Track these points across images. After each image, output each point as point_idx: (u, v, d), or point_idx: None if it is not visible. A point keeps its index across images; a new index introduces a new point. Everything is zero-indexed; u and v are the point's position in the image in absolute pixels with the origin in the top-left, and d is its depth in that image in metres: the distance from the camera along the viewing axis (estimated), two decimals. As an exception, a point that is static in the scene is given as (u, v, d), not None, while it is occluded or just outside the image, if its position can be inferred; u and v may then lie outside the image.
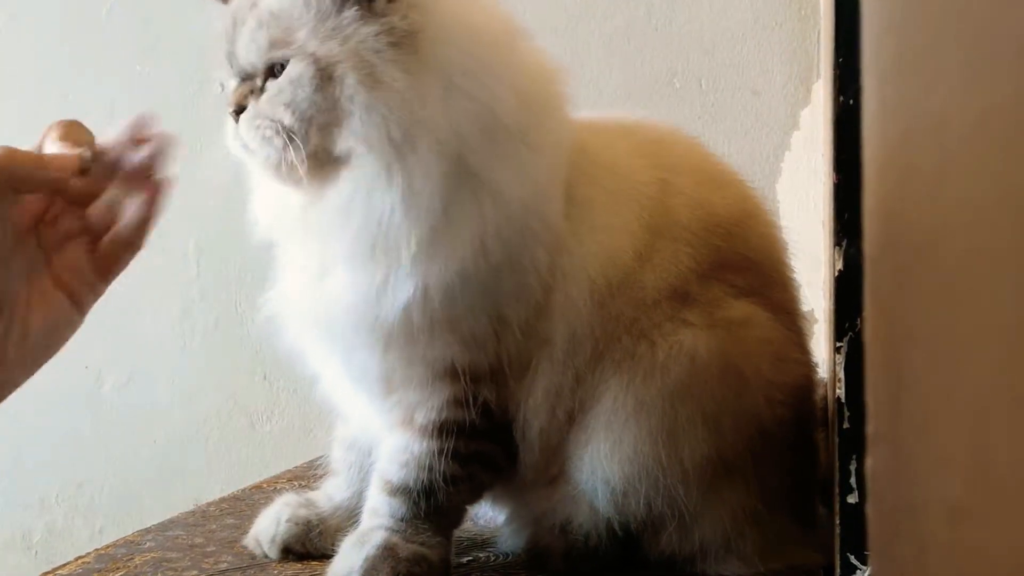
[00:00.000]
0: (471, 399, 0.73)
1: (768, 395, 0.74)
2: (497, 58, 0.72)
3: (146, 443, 1.76)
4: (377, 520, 0.75)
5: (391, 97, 0.68)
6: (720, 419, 0.72)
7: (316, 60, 0.69)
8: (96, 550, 0.85)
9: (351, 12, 0.69)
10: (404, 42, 0.69)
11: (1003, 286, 0.20)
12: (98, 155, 0.65)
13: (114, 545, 0.87)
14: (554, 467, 0.76)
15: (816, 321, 1.49)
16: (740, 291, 0.76)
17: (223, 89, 0.76)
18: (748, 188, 0.84)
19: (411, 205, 0.69)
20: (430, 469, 0.73)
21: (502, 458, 0.76)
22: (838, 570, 0.61)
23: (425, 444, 0.74)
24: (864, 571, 0.59)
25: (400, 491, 0.74)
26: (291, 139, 0.69)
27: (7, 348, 0.60)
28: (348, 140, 0.69)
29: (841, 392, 0.61)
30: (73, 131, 0.66)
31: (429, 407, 0.74)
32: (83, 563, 0.82)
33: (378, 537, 0.73)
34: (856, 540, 0.59)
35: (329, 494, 0.84)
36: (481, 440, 0.74)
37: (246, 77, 0.72)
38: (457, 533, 0.79)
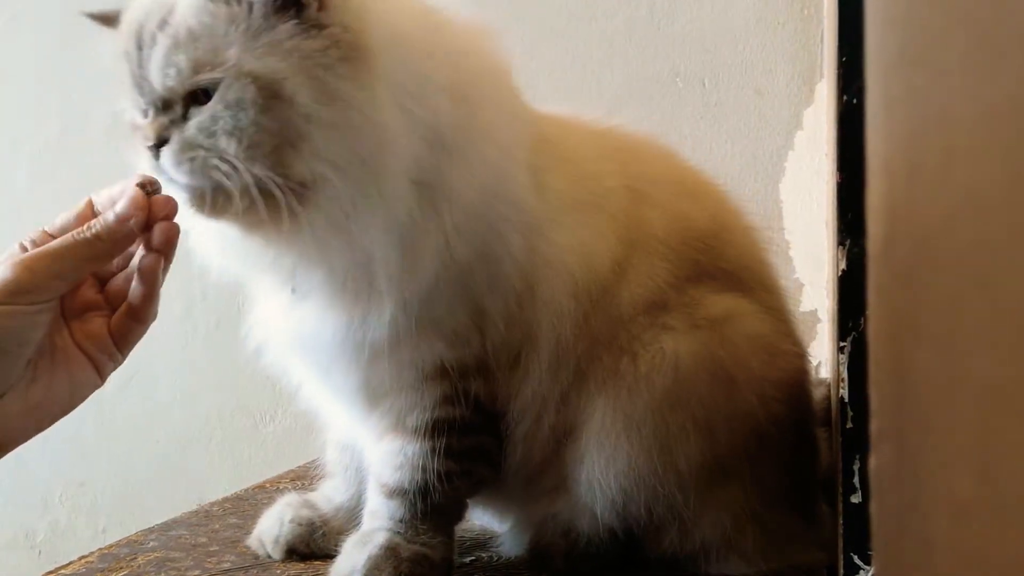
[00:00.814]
0: (461, 395, 0.73)
1: (760, 392, 0.73)
2: (431, 66, 0.68)
3: (149, 443, 1.76)
4: (378, 522, 0.75)
5: (351, 113, 0.63)
6: (712, 423, 0.71)
7: (256, 78, 0.62)
8: (99, 550, 0.85)
9: (287, 25, 0.63)
10: (353, 56, 0.64)
11: (1009, 280, 0.20)
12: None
13: (117, 545, 0.87)
14: (550, 479, 0.75)
15: (820, 321, 1.49)
16: (719, 289, 0.75)
17: (122, 120, 0.70)
18: (725, 197, 0.83)
19: (392, 230, 0.66)
20: (424, 469, 0.73)
21: (496, 451, 0.75)
22: (841, 570, 0.61)
23: (418, 445, 0.73)
24: (867, 571, 0.59)
25: (397, 493, 0.74)
26: (234, 168, 0.62)
27: (30, 394, 0.64)
28: (310, 163, 0.63)
29: (844, 392, 0.61)
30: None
31: (420, 409, 0.73)
32: (86, 563, 0.82)
33: (381, 537, 0.73)
34: (859, 540, 0.59)
35: (328, 496, 0.83)
36: (474, 435, 0.74)
37: (163, 106, 0.65)
38: (460, 533, 0.79)
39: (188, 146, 0.64)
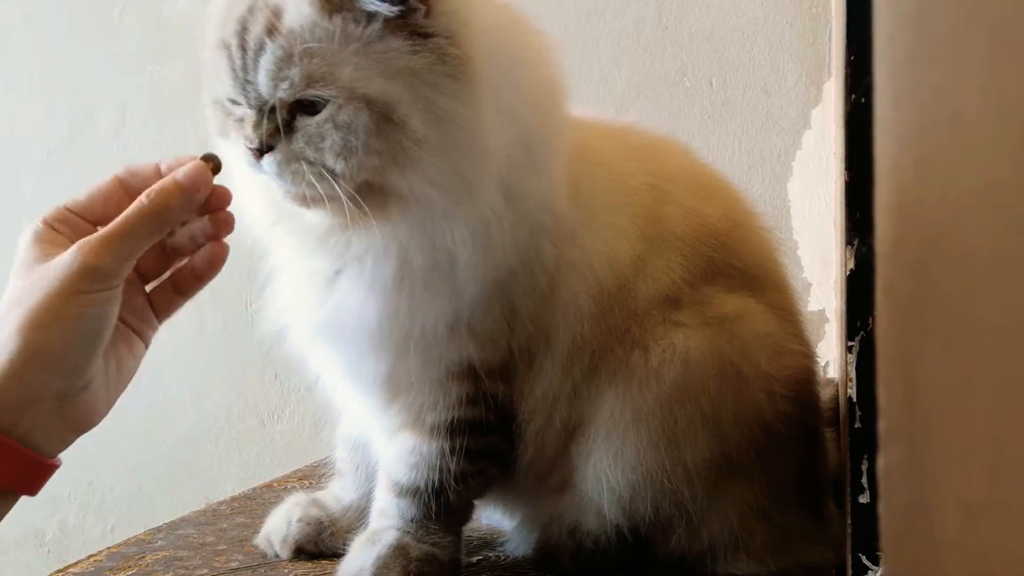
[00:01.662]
0: (483, 396, 0.73)
1: (768, 390, 0.73)
2: (524, 74, 0.70)
3: (157, 442, 1.77)
4: (387, 521, 0.75)
5: (460, 136, 0.64)
6: (720, 419, 0.71)
7: (369, 102, 0.62)
8: (108, 548, 0.85)
9: (397, 41, 0.63)
10: (458, 73, 0.64)
11: (1019, 279, 0.20)
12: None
13: (125, 544, 0.87)
14: (557, 477, 0.75)
15: (828, 321, 1.49)
16: (730, 289, 0.76)
17: (223, 110, 0.68)
18: (739, 195, 0.83)
19: (477, 231, 0.67)
20: (440, 469, 0.73)
21: (508, 451, 0.75)
22: (850, 570, 0.61)
23: (436, 444, 0.73)
24: (876, 571, 0.59)
25: (410, 492, 0.74)
26: (337, 182, 0.63)
27: (108, 373, 0.66)
28: (411, 180, 0.64)
29: (853, 391, 0.60)
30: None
31: (441, 407, 0.73)
32: (95, 561, 0.82)
33: (390, 537, 0.73)
34: (868, 540, 0.59)
35: (337, 496, 0.83)
36: (490, 435, 0.74)
37: (268, 110, 0.64)
38: (467, 533, 0.79)
39: (294, 158, 0.64)
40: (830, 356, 1.41)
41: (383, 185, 0.65)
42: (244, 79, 0.64)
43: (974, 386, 0.25)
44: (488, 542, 0.84)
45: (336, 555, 0.78)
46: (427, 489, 0.73)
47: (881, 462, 0.44)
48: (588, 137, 0.77)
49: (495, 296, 0.71)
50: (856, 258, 0.60)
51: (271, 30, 0.63)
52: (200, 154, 0.67)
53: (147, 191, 0.64)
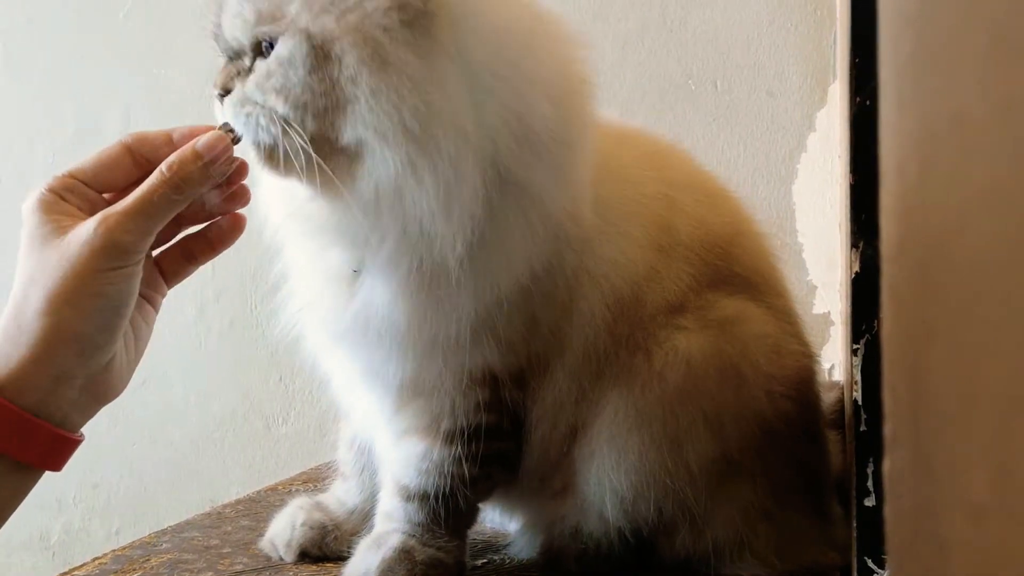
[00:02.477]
0: (499, 403, 0.72)
1: (768, 389, 0.73)
2: (529, 60, 0.66)
3: (162, 445, 1.77)
4: (392, 524, 0.75)
5: (401, 81, 0.60)
6: (722, 419, 0.71)
7: (310, 36, 0.60)
8: (112, 551, 0.85)
9: None
10: (418, 22, 0.61)
11: (1026, 282, 0.20)
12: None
13: (130, 546, 0.87)
14: (559, 480, 0.75)
15: (833, 323, 1.49)
16: (731, 293, 0.76)
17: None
18: (739, 203, 0.83)
19: (451, 209, 0.63)
20: (452, 475, 0.73)
21: (516, 456, 0.75)
22: (855, 573, 0.61)
23: (449, 450, 0.73)
24: (882, 574, 0.59)
25: (417, 497, 0.74)
26: (287, 127, 0.61)
27: (127, 345, 0.66)
28: (356, 128, 0.61)
29: (858, 394, 0.60)
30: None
31: (460, 413, 0.72)
32: (100, 564, 0.82)
33: (395, 540, 0.73)
34: (873, 543, 0.59)
35: (341, 499, 0.83)
36: (503, 441, 0.74)
37: (233, 56, 0.65)
38: (472, 536, 0.79)
39: (245, 100, 0.63)
40: (835, 359, 1.41)
41: (336, 140, 0.62)
42: (216, 24, 0.65)
43: (980, 388, 0.25)
44: (492, 545, 0.84)
45: (340, 558, 0.77)
46: (436, 494, 0.73)
47: (887, 465, 0.44)
48: (604, 141, 0.75)
49: (517, 302, 0.70)
50: (861, 261, 0.60)
51: None
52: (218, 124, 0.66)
53: (166, 162, 0.63)
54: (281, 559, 0.81)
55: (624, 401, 0.72)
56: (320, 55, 0.61)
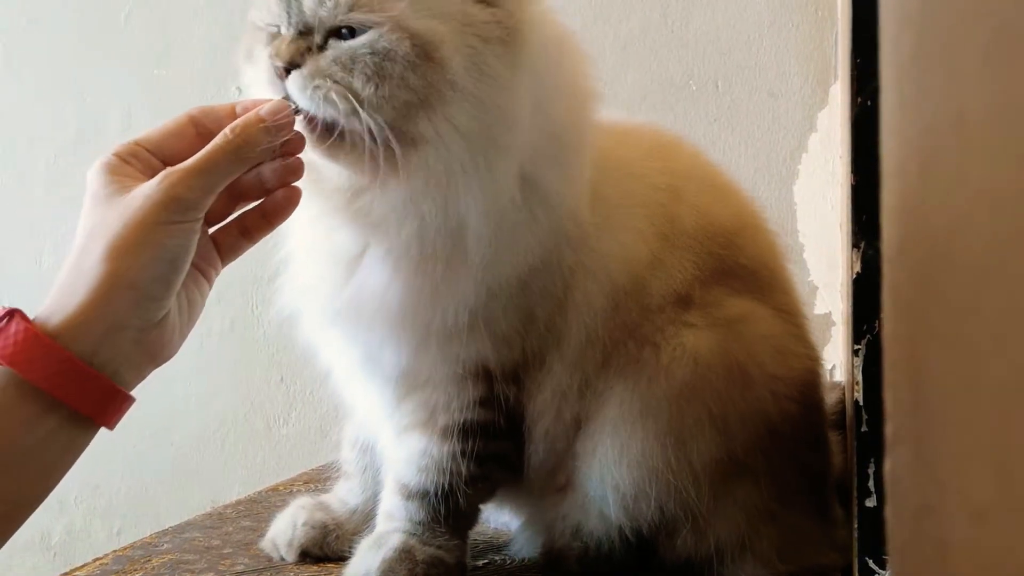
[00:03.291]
0: (496, 398, 0.73)
1: (773, 390, 0.73)
2: (566, 78, 0.72)
3: (163, 445, 1.77)
4: (393, 523, 0.75)
5: (496, 93, 0.65)
6: (727, 417, 0.71)
7: (413, 35, 0.62)
8: (114, 551, 0.85)
9: None
10: (509, 39, 0.65)
11: (1027, 281, 0.20)
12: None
13: (131, 547, 0.87)
14: (562, 476, 0.75)
15: (834, 324, 1.49)
16: (738, 291, 0.76)
17: (257, 34, 0.68)
18: (746, 197, 0.83)
19: (491, 206, 0.67)
20: (451, 473, 0.73)
21: (516, 456, 0.75)
22: (856, 574, 0.61)
23: (446, 447, 0.73)
24: (883, 575, 0.59)
25: (418, 495, 0.74)
26: (361, 109, 0.62)
27: (181, 306, 0.67)
28: (438, 124, 0.64)
29: (859, 395, 0.60)
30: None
31: (454, 408, 0.73)
32: (101, 564, 0.82)
33: (395, 539, 0.73)
34: (874, 543, 0.59)
35: (343, 498, 0.83)
36: (500, 440, 0.74)
37: (303, 30, 0.64)
38: (473, 536, 0.79)
39: (320, 74, 0.63)
40: (837, 359, 1.41)
41: (407, 130, 0.64)
42: (286, 6, 0.65)
43: (981, 389, 0.25)
44: (494, 545, 0.84)
45: (342, 558, 0.77)
46: (436, 493, 0.73)
47: (888, 465, 0.44)
48: (610, 140, 0.77)
49: (514, 296, 0.71)
50: (862, 261, 0.60)
51: None
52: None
53: (231, 125, 0.64)
54: (282, 559, 0.81)
55: (630, 394, 0.72)
56: (422, 54, 0.63)
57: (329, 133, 0.65)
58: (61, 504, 1.80)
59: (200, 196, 0.63)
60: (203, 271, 0.69)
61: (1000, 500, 0.23)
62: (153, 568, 0.80)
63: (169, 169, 0.63)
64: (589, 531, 0.75)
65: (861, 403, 0.60)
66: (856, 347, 0.61)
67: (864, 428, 0.60)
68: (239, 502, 1.01)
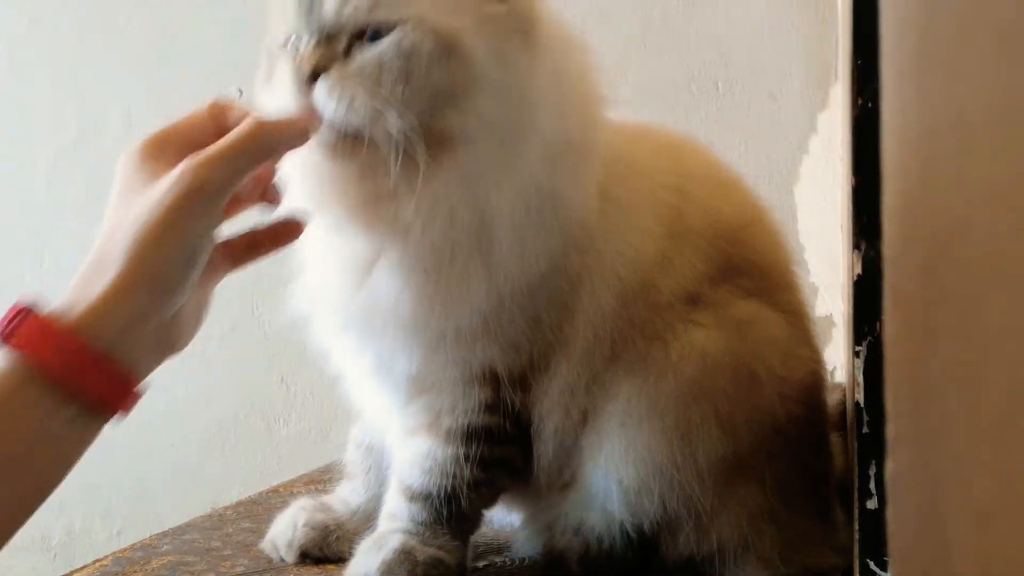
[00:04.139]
0: (502, 403, 0.73)
1: (780, 391, 0.74)
2: (572, 76, 0.72)
3: (163, 446, 1.77)
4: (395, 524, 0.75)
5: (519, 82, 0.65)
6: (734, 417, 0.72)
7: (436, 31, 0.62)
8: (113, 553, 0.85)
9: None
10: (526, 31, 0.66)
11: (1029, 283, 0.20)
12: None
13: (131, 548, 0.87)
14: (567, 472, 0.75)
15: (835, 325, 1.48)
16: (746, 292, 0.76)
17: (269, 45, 0.68)
18: (754, 195, 0.84)
19: (516, 204, 0.67)
20: (454, 476, 0.73)
21: (521, 462, 0.75)
22: (857, 575, 0.61)
23: (450, 450, 0.73)
24: (884, 577, 0.59)
25: (421, 497, 0.74)
26: (386, 112, 0.62)
27: (196, 294, 0.67)
28: (466, 119, 0.64)
29: (860, 396, 0.60)
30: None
31: (458, 412, 0.73)
32: (100, 566, 0.82)
33: (395, 540, 0.73)
34: (876, 545, 0.59)
35: (345, 498, 0.83)
36: (506, 445, 0.74)
37: (325, 37, 0.63)
38: (474, 537, 0.79)
39: (348, 80, 0.63)
40: (837, 361, 1.41)
41: (435, 128, 0.64)
42: (309, 5, 0.64)
43: (983, 390, 0.25)
44: (494, 547, 0.84)
45: (342, 559, 0.77)
46: (439, 495, 0.73)
47: (889, 467, 0.44)
48: (617, 140, 0.77)
49: (523, 302, 0.71)
50: (863, 262, 0.60)
51: None
52: None
53: (257, 115, 0.64)
54: (282, 560, 0.81)
55: (638, 390, 0.72)
56: (446, 49, 0.63)
57: (355, 141, 0.64)
58: (61, 505, 1.80)
59: (224, 183, 0.62)
60: (214, 261, 0.68)
61: (1003, 502, 0.23)
62: (153, 569, 0.80)
63: (192, 156, 0.62)
64: (591, 527, 0.75)
65: (862, 404, 0.60)
66: (857, 348, 0.61)
67: (865, 429, 0.60)
68: (239, 503, 1.01)
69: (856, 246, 0.60)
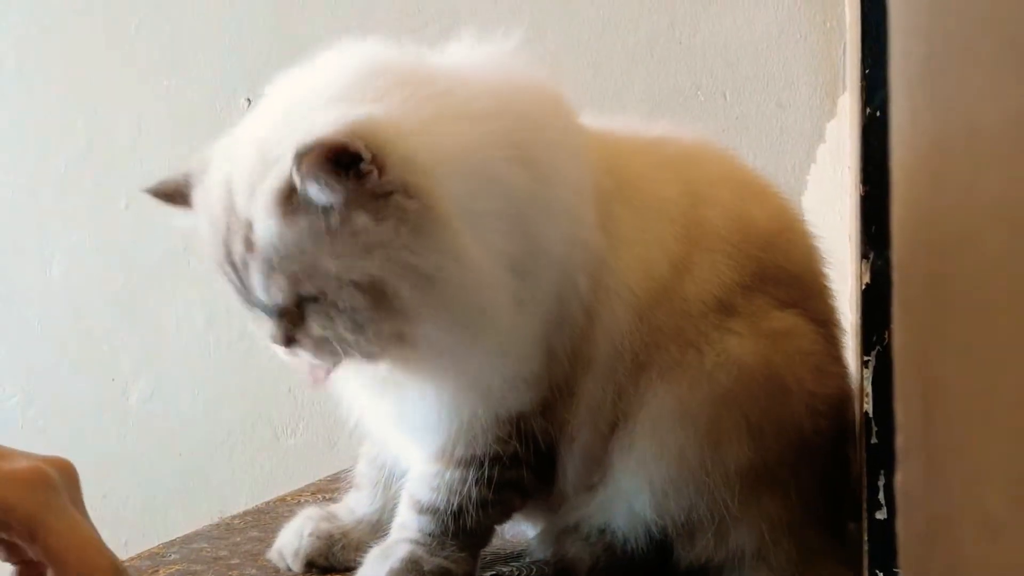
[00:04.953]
0: (521, 432, 0.73)
1: (810, 405, 0.74)
2: (491, 159, 0.68)
3: (171, 455, 1.77)
4: (404, 534, 0.75)
5: (451, 289, 0.65)
6: (764, 427, 0.72)
7: (358, 285, 0.64)
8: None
9: (363, 217, 0.63)
10: (424, 225, 0.64)
11: (1041, 293, 0.20)
12: None
13: (139, 557, 0.87)
14: (596, 474, 0.75)
15: (843, 334, 1.48)
16: (783, 302, 0.76)
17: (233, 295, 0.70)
18: (785, 200, 0.84)
19: (508, 345, 0.69)
20: (461, 494, 0.74)
21: (533, 483, 0.76)
22: (867, 587, 0.60)
23: (459, 473, 0.74)
24: (894, 589, 0.58)
25: (429, 511, 0.75)
26: (364, 347, 0.67)
27: None
28: (425, 331, 0.67)
29: (869, 407, 0.60)
30: None
31: (476, 444, 0.74)
32: (107, 574, 0.82)
33: (403, 550, 0.73)
34: (885, 557, 0.58)
35: (351, 507, 0.84)
36: (518, 468, 0.75)
37: (278, 313, 0.67)
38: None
39: (319, 341, 0.67)
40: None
41: (401, 339, 0.67)
42: (246, 294, 0.67)
43: (994, 400, 0.25)
44: (502, 557, 0.84)
45: (348, 569, 0.77)
46: (446, 510, 0.74)
47: (899, 478, 0.43)
48: (620, 153, 0.77)
49: (532, 346, 0.71)
50: (872, 272, 0.59)
51: (249, 246, 0.65)
52: None
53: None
54: (289, 569, 0.81)
55: (673, 396, 0.72)
56: (376, 294, 0.64)
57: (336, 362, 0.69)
58: (69, 514, 1.80)
59: None
60: None
61: (1014, 514, 0.22)
62: (160, 578, 0.80)
63: None
64: (617, 528, 0.75)
65: (871, 415, 0.59)
66: (866, 358, 0.61)
67: (874, 440, 0.59)
68: (247, 512, 1.01)
69: (865, 255, 0.60)
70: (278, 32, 1.68)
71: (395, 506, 0.79)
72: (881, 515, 0.59)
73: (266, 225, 0.64)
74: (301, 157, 0.61)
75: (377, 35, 0.73)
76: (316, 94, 0.67)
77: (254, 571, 0.82)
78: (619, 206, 0.74)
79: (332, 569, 0.80)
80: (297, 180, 0.62)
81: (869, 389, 0.60)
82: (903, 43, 0.39)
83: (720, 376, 0.72)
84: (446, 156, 0.66)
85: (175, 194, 0.71)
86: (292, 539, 0.82)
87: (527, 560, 0.81)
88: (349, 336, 0.66)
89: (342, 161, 0.62)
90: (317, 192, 0.62)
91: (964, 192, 0.28)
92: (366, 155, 0.62)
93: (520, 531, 0.86)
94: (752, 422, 0.72)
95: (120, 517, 1.80)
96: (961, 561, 0.28)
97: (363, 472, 0.84)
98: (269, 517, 0.98)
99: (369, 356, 0.68)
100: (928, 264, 0.36)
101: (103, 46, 1.79)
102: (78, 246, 1.75)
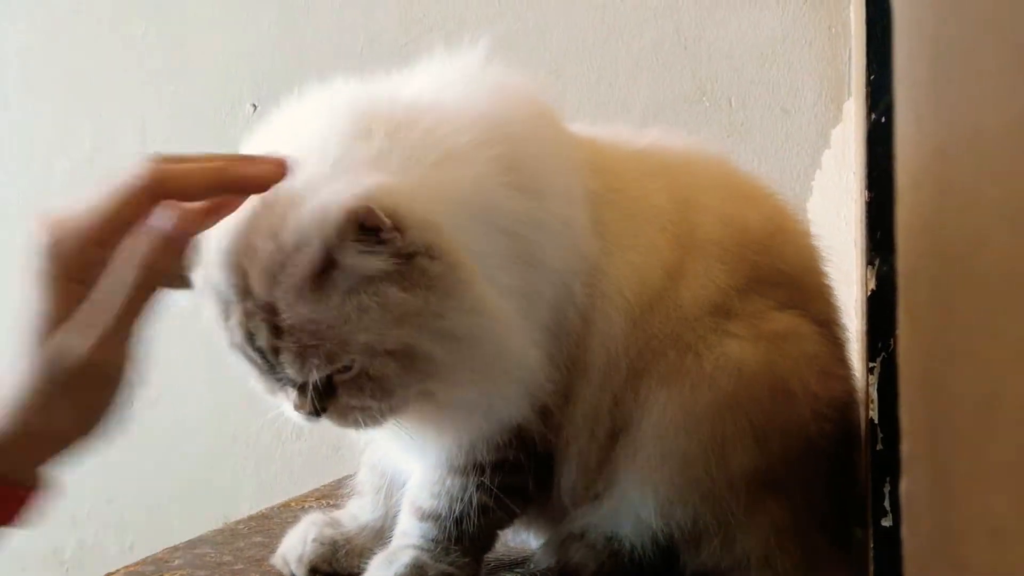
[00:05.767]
0: (516, 440, 0.73)
1: (815, 409, 0.73)
2: (489, 194, 0.67)
3: (175, 460, 1.77)
4: (407, 540, 0.75)
5: (481, 345, 0.66)
6: (768, 431, 0.72)
7: (391, 353, 0.64)
8: (125, 567, 0.85)
9: (391, 288, 0.62)
10: (449, 287, 0.63)
11: (1047, 299, 0.20)
12: None
13: (143, 562, 0.87)
14: (600, 484, 0.75)
15: (848, 341, 1.47)
16: (782, 304, 0.76)
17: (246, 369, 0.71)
18: (780, 202, 0.84)
19: (522, 374, 0.69)
20: (463, 501, 0.74)
21: (533, 488, 0.76)
22: (873, 594, 0.60)
23: (460, 480, 0.74)
24: (900, 596, 0.58)
25: (431, 517, 0.75)
26: (390, 413, 0.68)
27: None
28: (452, 391, 0.68)
29: (874, 413, 0.60)
30: None
31: (476, 452, 0.74)
32: (112, 580, 0.82)
33: (407, 556, 0.74)
34: (891, 564, 0.58)
35: (354, 514, 0.84)
36: (519, 474, 0.75)
37: (310, 387, 0.67)
38: (486, 556, 0.79)
39: (348, 409, 0.67)
40: (851, 377, 1.40)
41: (428, 397, 0.68)
42: (274, 375, 0.67)
43: (1000, 407, 0.25)
44: (506, 563, 0.84)
45: (352, 574, 0.77)
46: (448, 517, 0.74)
47: (904, 485, 0.43)
48: (606, 160, 0.77)
49: (540, 354, 0.71)
50: (877, 278, 0.59)
51: (276, 332, 0.64)
52: None
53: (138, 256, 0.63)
54: (293, 574, 0.81)
55: (674, 402, 0.72)
56: (406, 361, 0.65)
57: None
58: (73, 519, 1.80)
59: (125, 352, 0.62)
60: None
61: (1019, 519, 0.22)
62: (164, 584, 0.80)
63: (83, 322, 0.60)
64: (623, 536, 0.75)
65: (876, 421, 0.59)
66: (871, 365, 0.60)
67: (879, 446, 0.59)
68: (251, 518, 1.01)
69: (870, 262, 0.60)
70: (283, 38, 1.68)
71: (398, 513, 0.79)
72: (887, 522, 0.58)
73: (296, 309, 0.62)
74: (331, 232, 0.61)
75: (340, 73, 0.71)
76: (310, 163, 0.64)
77: (258, 576, 0.82)
78: (611, 213, 0.74)
79: (336, 575, 0.80)
80: (337, 254, 0.61)
81: (874, 395, 0.59)
82: (908, 48, 0.39)
83: (721, 380, 0.71)
84: (452, 206, 0.65)
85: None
86: (296, 544, 0.82)
87: (531, 567, 0.81)
88: (376, 403, 0.66)
89: (367, 228, 0.61)
90: (357, 260, 0.61)
91: (969, 197, 0.28)
92: (386, 223, 0.61)
93: (521, 539, 0.86)
94: (756, 427, 0.71)
95: (125, 522, 1.80)
96: (966, 567, 0.28)
97: (365, 479, 0.84)
98: (273, 522, 0.98)
99: (392, 415, 0.68)
100: (933, 270, 0.36)
101: (108, 52, 1.80)
102: (84, 251, 1.76)
